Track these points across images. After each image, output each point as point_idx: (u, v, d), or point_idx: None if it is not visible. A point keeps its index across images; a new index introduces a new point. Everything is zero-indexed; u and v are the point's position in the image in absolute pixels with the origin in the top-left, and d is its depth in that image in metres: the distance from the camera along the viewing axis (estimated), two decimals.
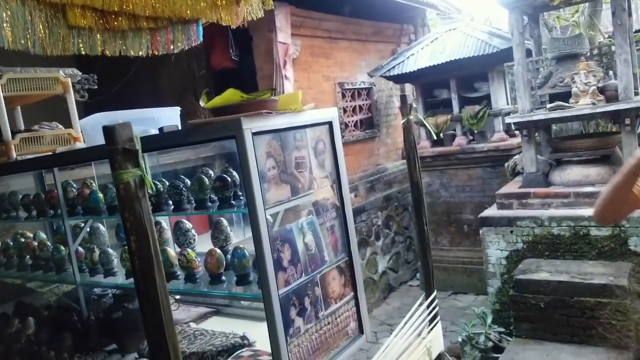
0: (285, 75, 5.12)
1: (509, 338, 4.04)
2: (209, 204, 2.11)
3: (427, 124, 5.26)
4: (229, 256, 2.07)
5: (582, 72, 4.31)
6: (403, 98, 2.40)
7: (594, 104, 4.21)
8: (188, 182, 2.22)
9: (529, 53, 4.89)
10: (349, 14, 6.28)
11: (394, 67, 6.31)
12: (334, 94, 6.16)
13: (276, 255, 1.74)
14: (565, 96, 4.40)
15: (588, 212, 4.02)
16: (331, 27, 6.09)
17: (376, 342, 4.64)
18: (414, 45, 6.53)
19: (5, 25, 1.83)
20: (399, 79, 6.61)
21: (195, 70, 5.96)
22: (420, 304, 2.38)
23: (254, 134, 1.68)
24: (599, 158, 4.38)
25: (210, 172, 2.26)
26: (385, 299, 6.38)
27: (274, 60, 5.07)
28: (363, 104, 6.70)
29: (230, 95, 1.75)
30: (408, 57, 6.27)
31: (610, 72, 4.54)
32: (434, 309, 2.43)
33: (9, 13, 1.86)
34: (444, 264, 6.16)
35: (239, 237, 2.76)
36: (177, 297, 2.82)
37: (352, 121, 6.44)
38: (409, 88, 7.00)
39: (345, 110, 6.32)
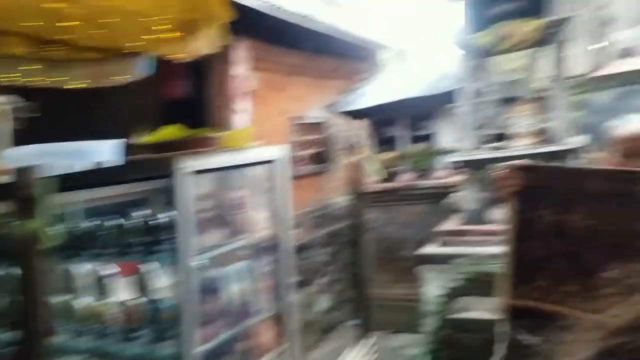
0: (239, 109, 5.09)
1: None
2: (133, 248, 1.88)
3: (371, 157, 5.30)
4: (151, 307, 1.91)
5: (522, 114, 4.55)
6: (351, 136, 2.43)
7: (532, 145, 4.43)
8: (119, 222, 2.04)
9: (475, 94, 5.12)
10: (311, 50, 6.36)
11: (348, 103, 6.42)
12: (287, 128, 6.17)
13: (201, 307, 1.63)
14: (507, 137, 4.62)
15: None
16: (292, 62, 6.13)
17: None
18: (368, 83, 6.69)
19: None
20: (353, 115, 6.72)
21: (147, 100, 5.79)
22: (356, 350, 2.34)
23: (189, 173, 1.64)
24: None
25: (136, 214, 2.10)
26: (323, 341, 6.23)
27: (227, 93, 5.04)
28: (316, 138, 6.74)
29: (171, 131, 1.71)
30: (361, 95, 6.40)
31: (548, 115, 4.81)
32: (372, 355, 2.39)
33: None
34: (385, 302, 6.09)
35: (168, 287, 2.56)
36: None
37: (304, 155, 6.45)
38: (363, 124, 7.12)
39: (297, 144, 6.34)
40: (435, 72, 6.09)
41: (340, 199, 6.97)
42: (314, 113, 6.64)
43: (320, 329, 6.26)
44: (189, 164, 1.59)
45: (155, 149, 1.72)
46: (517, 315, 1.37)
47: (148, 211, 1.92)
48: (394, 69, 6.52)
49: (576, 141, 4.42)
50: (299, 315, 5.68)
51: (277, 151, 2.05)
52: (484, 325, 3.69)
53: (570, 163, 4.28)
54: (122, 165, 1.80)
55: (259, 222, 1.94)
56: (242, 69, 5.05)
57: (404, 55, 7.73)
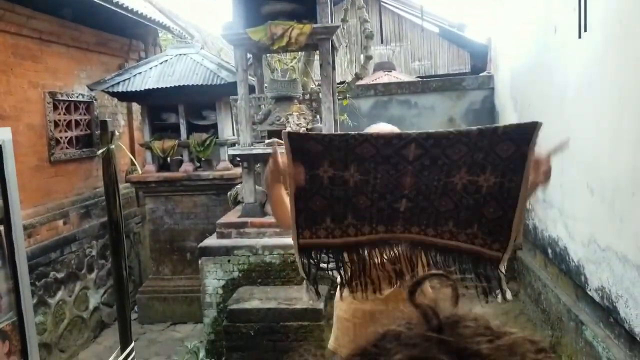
0: None
1: None
2: None
3: (129, 154, 4.95)
4: None
5: (295, 113, 4.79)
6: (102, 124, 2.13)
7: None
8: None
9: (252, 89, 5.19)
10: (68, 17, 5.52)
11: (119, 83, 5.81)
12: (42, 104, 5.27)
13: None
14: (280, 133, 4.81)
15: None
16: (43, 27, 5.23)
17: None
18: (142, 64, 6.18)
19: None
20: (125, 97, 6.14)
21: None
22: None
23: None
24: None
25: None
26: (96, 338, 5.69)
27: None
28: (81, 119, 5.94)
29: None
30: (135, 75, 5.88)
31: (318, 116, 5.19)
32: None
33: None
34: (164, 294, 5.90)
35: None
36: None
37: (66, 137, 5.62)
38: (136, 107, 6.57)
39: (57, 124, 5.47)
40: (216, 62, 5.99)
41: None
42: (78, 90, 5.84)
43: (94, 327, 5.65)
44: None
45: None
46: (309, 254, 1.70)
47: None
48: (174, 52, 6.16)
49: None
50: (69, 313, 5.07)
51: None
52: (260, 315, 3.83)
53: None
54: None
55: None
56: None
57: (186, 39, 7.41)
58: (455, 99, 7.13)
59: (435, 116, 7.11)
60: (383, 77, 8.98)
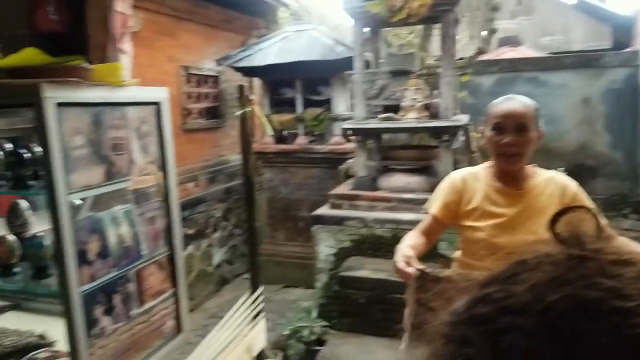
0: (122, 49, 4.64)
1: (332, 331, 4.24)
2: (1, 182, 1.76)
3: (262, 117, 5.22)
4: (26, 245, 1.76)
5: (412, 88, 4.74)
6: (240, 88, 2.33)
7: (419, 119, 4.66)
8: None
9: (368, 64, 5.22)
10: None
11: (242, 58, 6.20)
12: (178, 77, 5.82)
13: (81, 247, 1.52)
14: (396, 109, 4.80)
15: (407, 216, 4.43)
16: (178, 6, 5.73)
17: (206, 336, 4.48)
18: (263, 40, 6.50)
19: None
20: (247, 72, 6.53)
21: (15, 28, 5.07)
22: (245, 301, 2.33)
23: (59, 104, 1.43)
24: (419, 168, 4.86)
25: (8, 145, 1.90)
26: (218, 291, 6.25)
27: (109, 30, 4.56)
28: (209, 92, 6.46)
29: (30, 55, 1.47)
30: (257, 51, 6.22)
31: (435, 92, 5.08)
32: (258, 306, 2.40)
33: None
34: (279, 258, 6.26)
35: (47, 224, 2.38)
36: None
37: (197, 108, 6.16)
38: (257, 82, 6.96)
39: (189, 96, 6.02)
40: (332, 37, 6.10)
41: (235, 157, 6.84)
42: (207, 65, 6.33)
43: (217, 281, 6.23)
44: (55, 94, 1.38)
45: (14, 74, 1.47)
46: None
47: (13, 143, 1.74)
48: (293, 29, 6.40)
49: (460, 119, 4.73)
50: (197, 266, 5.66)
51: (156, 92, 1.89)
52: (370, 284, 3.93)
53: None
54: None
55: (141, 166, 1.78)
56: (124, 4, 4.58)
57: (304, 15, 7.62)
58: (592, 77, 6.46)
59: (568, 96, 6.52)
60: (508, 53, 8.43)
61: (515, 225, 1.76)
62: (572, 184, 1.81)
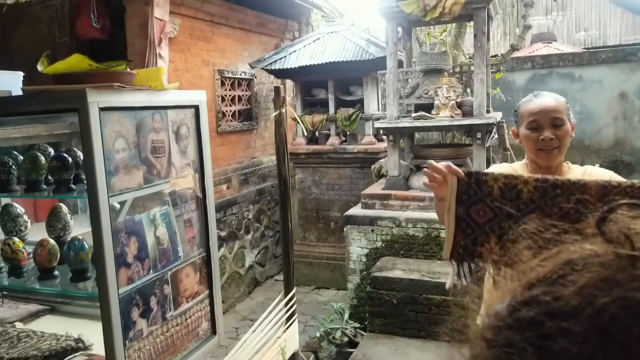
0: (160, 54, 4.76)
1: (363, 333, 4.23)
2: (44, 186, 1.82)
3: (297, 117, 5.27)
4: (65, 248, 1.81)
5: (444, 86, 4.67)
6: (277, 90, 2.34)
7: (452, 117, 4.58)
8: (21, 158, 1.90)
9: (400, 64, 5.18)
10: (234, 0, 6.07)
11: (275, 61, 6.25)
12: (212, 81, 5.91)
13: (120, 249, 1.56)
14: (429, 107, 4.74)
15: None
16: (214, 11, 5.83)
17: (237, 338, 4.54)
18: (296, 42, 6.54)
19: None
20: (280, 74, 6.58)
21: (56, 36, 5.29)
22: (279, 302, 2.34)
23: (102, 109, 1.47)
24: None
25: (50, 149, 1.96)
26: (250, 294, 6.31)
27: (149, 36, 4.68)
28: (243, 95, 6.53)
29: (76, 61, 1.51)
30: (290, 53, 6.26)
31: (468, 90, 4.99)
32: (291, 307, 2.41)
33: None
34: (310, 259, 6.28)
35: (85, 227, 2.46)
36: (4, 292, 2.42)
37: (230, 111, 6.25)
38: (289, 84, 7.01)
39: (223, 99, 6.11)
40: (364, 38, 6.08)
41: (267, 158, 6.91)
42: (241, 68, 6.41)
43: (249, 283, 6.31)
44: (98, 98, 1.42)
45: (60, 81, 1.52)
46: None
47: (59, 147, 1.80)
48: (325, 31, 6.41)
49: (493, 116, 4.63)
50: (229, 268, 5.75)
51: (195, 95, 1.92)
52: (403, 284, 3.89)
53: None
54: (18, 97, 1.59)
55: (179, 170, 1.82)
56: (161, 11, 4.69)
57: (336, 17, 7.62)
58: (629, 72, 6.26)
59: (603, 91, 6.34)
60: (542, 49, 8.21)
61: None
62: (607, 173, 1.82)
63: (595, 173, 1.83)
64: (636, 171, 6.22)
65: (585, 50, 7.99)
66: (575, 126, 1.83)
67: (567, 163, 1.91)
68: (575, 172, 1.86)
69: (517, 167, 1.94)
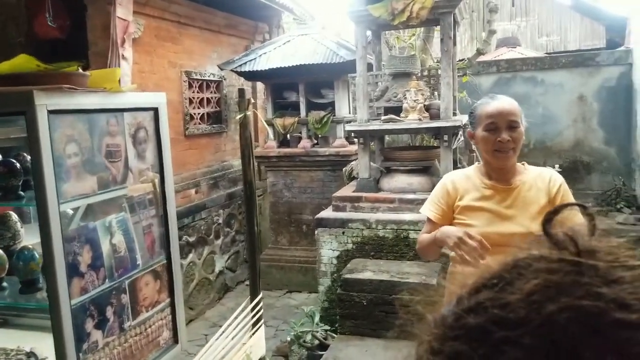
0: (123, 55, 4.65)
1: (334, 335, 4.21)
2: None
3: (263, 121, 5.23)
4: (15, 258, 1.73)
5: (413, 90, 4.71)
6: (241, 92, 2.31)
7: (420, 119, 4.62)
8: None
9: (370, 67, 5.20)
10: (202, 0, 5.99)
11: (245, 63, 6.19)
12: (180, 83, 5.81)
13: (72, 258, 1.49)
14: (398, 110, 4.77)
15: (409, 216, 4.41)
16: (181, 12, 5.74)
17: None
18: (267, 44, 6.50)
19: None
20: (250, 76, 6.52)
21: (12, 36, 5.11)
22: (244, 308, 2.30)
23: (50, 112, 1.41)
24: (421, 168, 4.83)
25: None
26: (220, 300, 6.22)
27: (111, 37, 4.56)
28: (211, 97, 6.45)
29: (23, 61, 1.45)
30: (260, 55, 6.22)
31: (436, 93, 5.05)
32: (257, 313, 2.37)
33: None
34: (282, 263, 6.24)
35: (37, 236, 2.35)
36: None
37: (199, 113, 6.15)
38: (260, 87, 6.95)
39: (191, 101, 6.01)
40: (335, 41, 6.08)
41: (238, 162, 6.84)
42: (210, 70, 6.33)
43: (219, 289, 6.22)
44: (47, 101, 1.36)
45: (4, 82, 1.45)
46: None
47: (10, 152, 1.72)
48: (296, 33, 6.39)
49: (460, 119, 4.70)
50: (198, 274, 5.65)
51: (154, 98, 1.87)
52: (373, 285, 3.89)
53: None
54: None
55: (137, 175, 1.76)
56: (125, 11, 4.58)
57: (307, 20, 7.62)
58: (587, 75, 6.49)
59: (564, 94, 6.55)
60: (507, 53, 8.41)
61: (507, 219, 1.82)
62: (558, 179, 1.88)
63: (548, 176, 1.88)
64: (594, 171, 6.43)
65: (547, 55, 8.24)
66: (525, 130, 1.88)
67: (524, 164, 1.97)
68: (529, 173, 1.91)
69: (471, 173, 1.99)
